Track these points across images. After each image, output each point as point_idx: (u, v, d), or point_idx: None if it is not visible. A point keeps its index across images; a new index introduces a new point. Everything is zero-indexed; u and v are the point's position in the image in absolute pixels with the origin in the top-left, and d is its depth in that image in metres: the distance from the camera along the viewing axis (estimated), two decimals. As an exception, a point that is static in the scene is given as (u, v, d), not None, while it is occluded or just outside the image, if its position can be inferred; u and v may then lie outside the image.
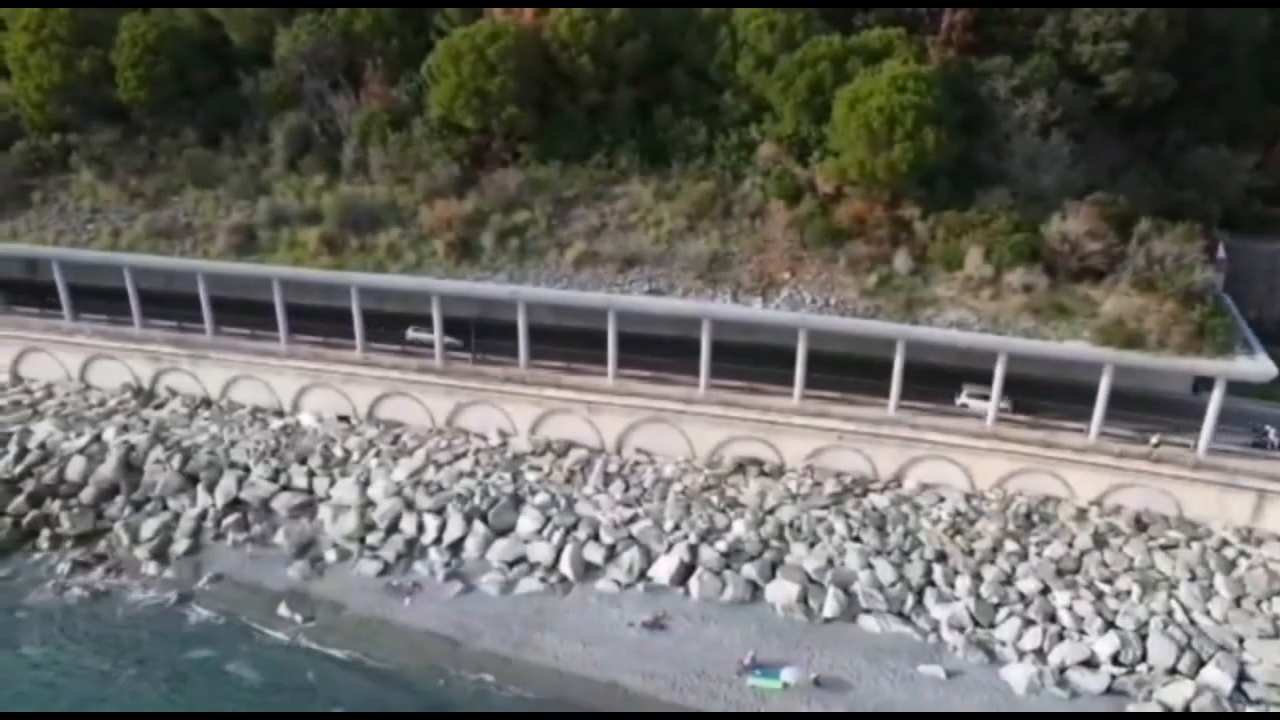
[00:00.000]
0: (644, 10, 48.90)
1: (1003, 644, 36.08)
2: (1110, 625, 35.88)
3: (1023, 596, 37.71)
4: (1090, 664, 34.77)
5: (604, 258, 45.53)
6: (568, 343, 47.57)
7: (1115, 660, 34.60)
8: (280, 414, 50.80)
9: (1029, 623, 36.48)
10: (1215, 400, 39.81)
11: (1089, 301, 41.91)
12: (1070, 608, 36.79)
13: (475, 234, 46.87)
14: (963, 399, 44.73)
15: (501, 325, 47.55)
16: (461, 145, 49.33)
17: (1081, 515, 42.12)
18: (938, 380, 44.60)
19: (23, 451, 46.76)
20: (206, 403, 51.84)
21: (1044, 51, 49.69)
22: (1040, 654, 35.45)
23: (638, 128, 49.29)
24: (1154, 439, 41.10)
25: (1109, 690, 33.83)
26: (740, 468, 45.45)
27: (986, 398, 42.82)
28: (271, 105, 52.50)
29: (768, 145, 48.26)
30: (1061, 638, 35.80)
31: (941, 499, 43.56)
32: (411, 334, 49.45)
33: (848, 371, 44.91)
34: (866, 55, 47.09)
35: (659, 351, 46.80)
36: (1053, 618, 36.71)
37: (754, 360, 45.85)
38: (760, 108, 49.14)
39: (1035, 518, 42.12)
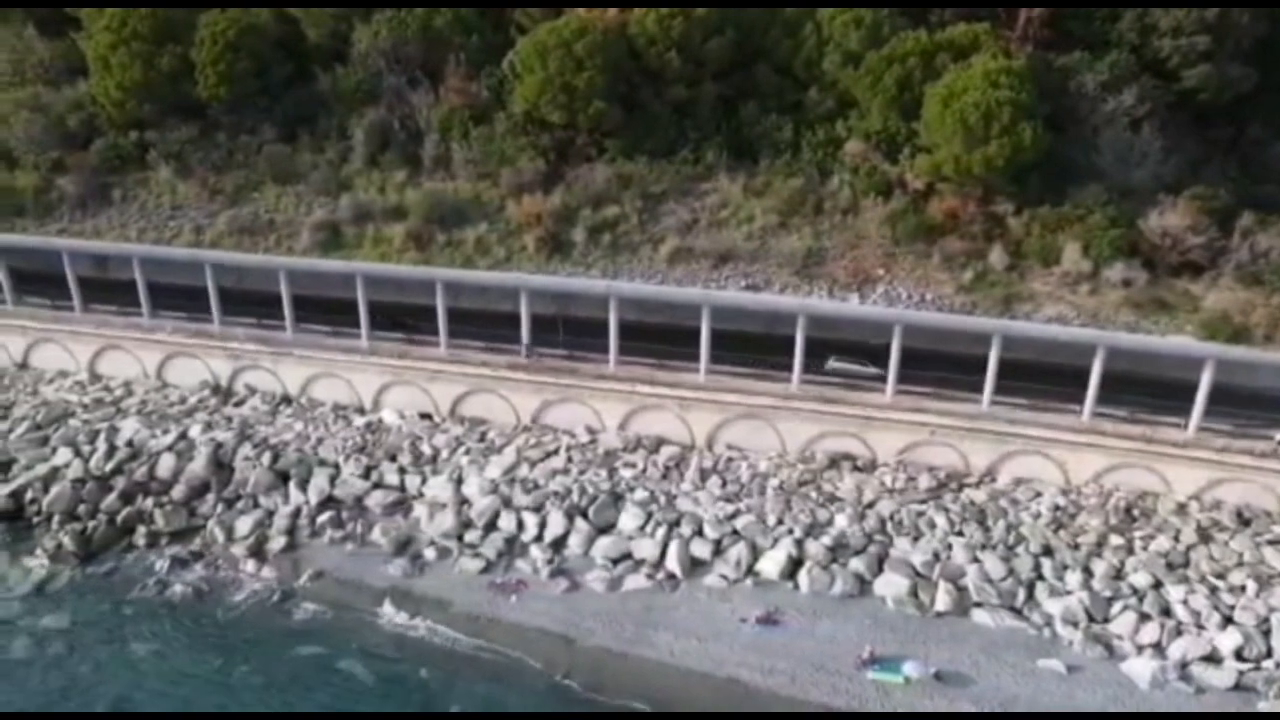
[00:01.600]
0: (729, 7, 48.82)
1: (1119, 638, 35.99)
2: (1229, 620, 35.78)
3: (1135, 590, 37.64)
4: (1213, 659, 34.68)
5: (698, 254, 45.54)
6: (650, 339, 47.46)
7: (1239, 656, 34.48)
8: (361, 411, 50.73)
9: (1144, 617, 36.40)
10: (1322, 395, 39.87)
11: (1190, 296, 41.97)
12: (1185, 602, 36.72)
13: (565, 229, 46.88)
14: None
15: (581, 322, 47.57)
16: (546, 140, 49.30)
17: (1181, 510, 42.08)
18: (1031, 377, 44.43)
19: (112, 449, 46.75)
20: (286, 400, 51.74)
21: (1121, 46, 49.67)
22: (1159, 649, 35.36)
23: (723, 124, 49.31)
24: (1278, 436, 41.06)
25: (1237, 686, 33.73)
26: (833, 463, 45.40)
27: None
28: (350, 101, 52.53)
29: (854, 142, 48.24)
30: (1180, 632, 35.68)
31: (1038, 494, 43.50)
32: (833, 364, 45.00)
33: (939, 368, 44.82)
34: (954, 51, 47.11)
35: (744, 349, 46.62)
36: (1168, 612, 36.65)
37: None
38: (846, 104, 49.16)
39: (1135, 512, 42.08)
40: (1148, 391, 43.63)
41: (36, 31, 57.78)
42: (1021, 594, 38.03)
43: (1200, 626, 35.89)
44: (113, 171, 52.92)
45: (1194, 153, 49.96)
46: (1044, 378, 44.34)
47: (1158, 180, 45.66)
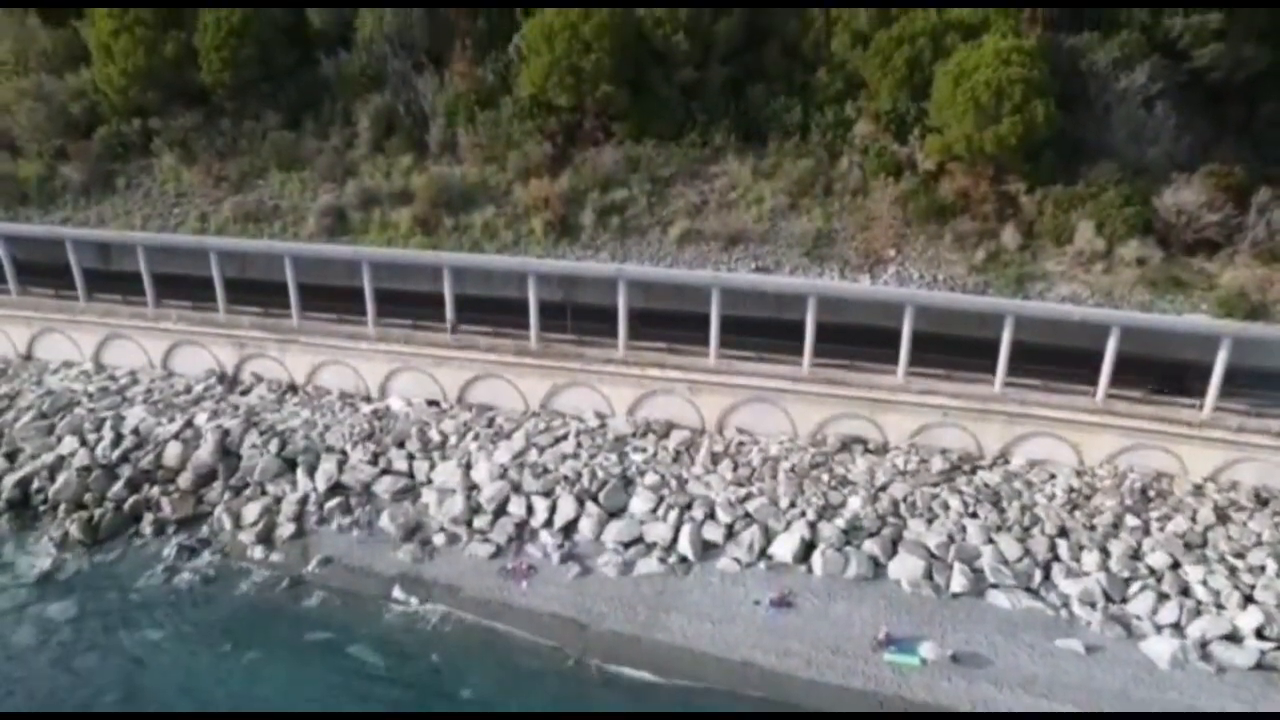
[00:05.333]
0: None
1: (1138, 618, 35.62)
2: (1249, 600, 35.38)
3: (1153, 571, 37.26)
4: (1233, 638, 34.30)
5: (708, 235, 45.13)
6: (659, 325, 47.03)
7: (1260, 635, 34.08)
8: (368, 399, 50.42)
9: (1163, 597, 36.03)
10: (1341, 373, 39.41)
11: (1205, 274, 41.52)
12: (1204, 582, 36.29)
13: (573, 212, 46.47)
14: None
15: (589, 307, 47.17)
16: (553, 124, 48.88)
17: (1198, 490, 41.67)
18: (1043, 359, 43.94)
19: (118, 437, 46.44)
20: (293, 388, 51.44)
21: (1132, 26, 49.11)
22: (1178, 628, 35.02)
23: (731, 106, 48.80)
24: None
25: (1258, 665, 33.34)
26: (844, 446, 45.01)
27: None
28: (355, 87, 52.02)
29: (864, 123, 47.83)
30: (1199, 612, 35.32)
31: (1052, 475, 43.10)
32: None
33: (950, 351, 44.37)
34: (964, 30, 46.67)
35: (754, 333, 46.15)
36: (1186, 592, 36.28)
37: (852, 341, 45.16)
38: (854, 84, 48.65)
39: (1151, 493, 41.68)
40: (1161, 372, 43.27)
41: (39, 20, 57.42)
42: (1038, 575, 37.63)
43: (1220, 606, 35.49)
44: (116, 159, 52.59)
45: (1207, 131, 49.37)
46: (1057, 359, 43.91)
47: (1170, 159, 45.22)
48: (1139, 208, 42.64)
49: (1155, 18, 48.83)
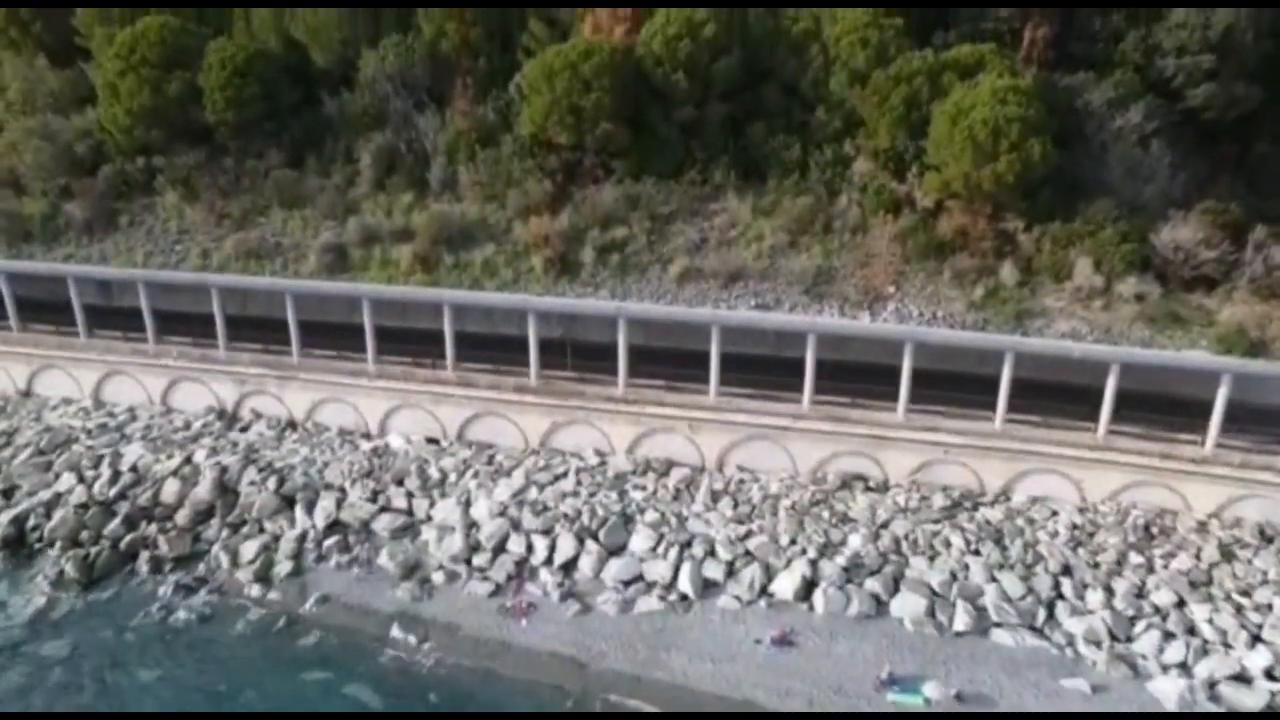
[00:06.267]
0: (735, 26, 48.90)
1: (1144, 658, 35.18)
2: (1257, 639, 35.01)
3: (1158, 609, 36.88)
4: (1242, 679, 33.82)
5: (707, 273, 45.27)
6: (658, 362, 47.05)
7: (1270, 675, 33.63)
8: (368, 436, 50.27)
9: (1169, 636, 35.65)
10: (1343, 409, 39.35)
11: (1204, 310, 41.61)
12: (1210, 621, 35.96)
13: (573, 250, 46.66)
14: None
15: (588, 345, 47.26)
16: (553, 162, 49.25)
17: (1202, 527, 41.43)
18: (1044, 395, 43.90)
19: (116, 474, 46.25)
20: (292, 425, 51.34)
21: (1125, 66, 49.74)
22: (1185, 668, 34.56)
23: (731, 144, 49.18)
24: None
25: (1269, 708, 32.83)
26: (845, 483, 44.82)
27: None
28: (357, 125, 52.56)
29: (862, 161, 48.22)
30: (1206, 651, 34.93)
31: (1054, 512, 42.88)
32: None
33: (950, 387, 44.33)
34: (960, 70, 47.17)
35: (754, 370, 46.17)
36: (1192, 630, 35.91)
37: (852, 378, 45.13)
38: (853, 123, 49.08)
39: (1154, 530, 41.43)
40: (1162, 409, 43.16)
41: (47, 62, 58.19)
42: (1042, 613, 37.23)
43: (1227, 645, 35.08)
44: (119, 197, 52.98)
45: (1202, 169, 49.82)
46: (1057, 395, 43.84)
47: (1167, 196, 45.55)
48: (1136, 244, 42.86)
49: (1148, 58, 49.50)
